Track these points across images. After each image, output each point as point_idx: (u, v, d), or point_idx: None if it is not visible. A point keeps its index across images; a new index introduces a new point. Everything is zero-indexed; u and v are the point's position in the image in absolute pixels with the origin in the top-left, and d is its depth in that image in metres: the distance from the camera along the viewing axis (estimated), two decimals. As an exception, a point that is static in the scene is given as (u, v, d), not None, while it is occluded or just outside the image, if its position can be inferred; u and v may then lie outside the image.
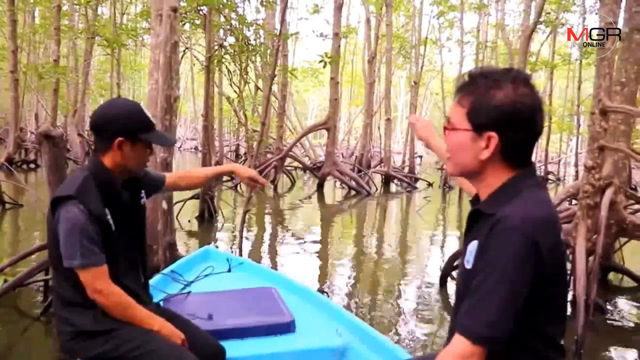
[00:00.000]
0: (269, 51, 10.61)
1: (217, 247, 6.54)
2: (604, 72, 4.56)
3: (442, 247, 7.98)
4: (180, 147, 33.32)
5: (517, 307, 1.17)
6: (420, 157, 29.61)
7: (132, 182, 2.01)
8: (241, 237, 5.90)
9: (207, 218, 8.41)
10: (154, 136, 1.91)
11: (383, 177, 16.50)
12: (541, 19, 12.84)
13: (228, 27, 9.44)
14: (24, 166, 16.24)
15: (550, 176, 21.03)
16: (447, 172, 1.42)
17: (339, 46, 14.86)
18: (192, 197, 8.62)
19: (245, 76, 9.77)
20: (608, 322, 4.52)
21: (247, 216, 6.28)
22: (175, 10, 4.77)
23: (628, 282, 5.56)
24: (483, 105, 1.24)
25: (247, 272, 3.38)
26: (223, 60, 9.89)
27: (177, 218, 7.17)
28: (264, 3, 10.85)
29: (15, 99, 14.73)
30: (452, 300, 4.42)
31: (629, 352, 3.96)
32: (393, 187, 16.06)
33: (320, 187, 14.28)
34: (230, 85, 10.16)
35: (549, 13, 16.22)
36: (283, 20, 8.73)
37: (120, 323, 1.83)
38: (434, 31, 22.88)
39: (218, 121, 18.21)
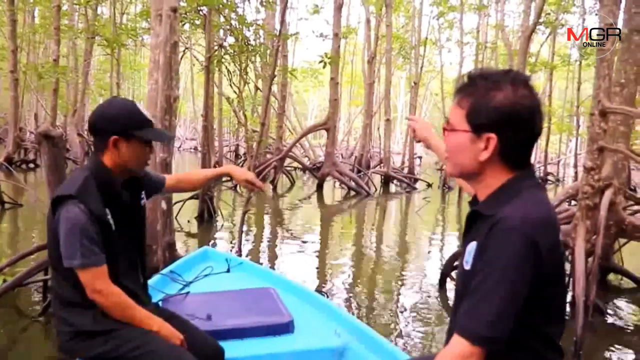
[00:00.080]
0: (268, 51, 10.61)
1: (215, 246, 6.54)
2: (603, 73, 4.56)
3: (441, 247, 7.98)
4: (180, 147, 33.34)
5: (517, 308, 1.17)
6: (420, 157, 29.65)
7: (132, 182, 2.01)
8: (240, 237, 5.90)
9: (206, 218, 8.41)
10: (148, 133, 1.90)
11: (382, 177, 16.52)
12: (541, 20, 12.85)
13: (228, 27, 9.43)
14: (24, 166, 16.23)
15: (549, 177, 21.06)
16: (447, 172, 1.43)
17: (339, 46, 14.87)
18: (192, 198, 8.62)
19: (245, 76, 9.75)
20: (607, 323, 4.52)
21: (246, 216, 6.28)
22: (175, 10, 4.77)
23: (627, 283, 5.57)
24: (482, 106, 1.25)
25: (246, 273, 3.38)
26: (223, 60, 9.88)
27: (176, 218, 7.16)
28: (264, 3, 10.85)
29: (14, 99, 14.73)
30: (451, 300, 4.42)
31: (628, 352, 3.96)
32: (392, 188, 16.07)
33: (319, 187, 14.28)
34: (230, 85, 10.15)
35: (549, 14, 16.24)
36: (283, 21, 8.74)
37: (119, 323, 1.82)
38: (433, 32, 22.94)
39: (218, 121, 18.20)
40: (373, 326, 3.67)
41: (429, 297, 5.07)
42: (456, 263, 5.03)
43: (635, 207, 6.24)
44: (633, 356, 3.90)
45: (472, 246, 1.26)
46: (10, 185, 9.94)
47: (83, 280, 1.76)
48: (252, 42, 9.66)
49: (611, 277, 5.73)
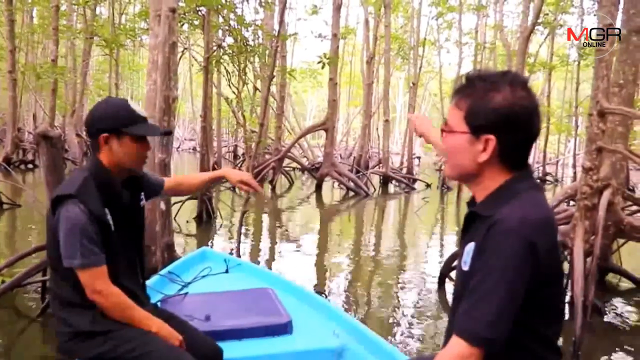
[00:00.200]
0: (267, 52, 10.62)
1: (214, 247, 6.54)
2: (602, 73, 4.57)
3: (440, 248, 7.99)
4: (179, 147, 33.34)
5: (515, 309, 1.17)
6: (419, 158, 29.69)
7: (132, 182, 2.01)
8: (239, 237, 5.91)
9: (205, 219, 8.41)
10: (138, 128, 1.88)
11: (381, 178, 16.52)
12: (539, 21, 12.86)
13: (227, 27, 9.44)
14: (22, 166, 16.22)
15: (548, 177, 21.09)
16: (445, 174, 1.43)
17: (338, 47, 14.87)
18: (190, 198, 8.61)
19: (243, 77, 9.76)
20: (606, 323, 4.53)
21: (245, 217, 6.28)
22: (173, 10, 4.77)
23: (626, 283, 5.58)
24: (481, 108, 1.25)
25: (245, 273, 3.39)
26: (221, 60, 9.90)
27: (175, 219, 7.16)
28: (263, 4, 10.87)
29: (13, 99, 14.72)
30: (450, 301, 4.43)
31: (627, 353, 3.96)
32: (391, 188, 16.07)
33: (318, 187, 14.28)
34: (229, 85, 10.16)
35: (547, 14, 16.26)
36: (282, 21, 8.74)
37: (118, 324, 1.82)
38: (432, 32, 22.97)
39: (216, 122, 18.20)
40: (371, 327, 3.67)
41: (427, 297, 5.07)
42: (455, 263, 5.03)
43: (634, 208, 6.25)
44: (631, 356, 3.90)
45: (470, 247, 1.26)
46: (8, 185, 9.92)
47: (83, 280, 1.76)
48: (251, 43, 9.68)
49: (610, 277, 5.73)
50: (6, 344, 3.55)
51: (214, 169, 12.29)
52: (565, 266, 4.62)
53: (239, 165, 19.83)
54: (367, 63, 18.31)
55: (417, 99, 23.29)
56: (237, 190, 12.78)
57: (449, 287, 5.17)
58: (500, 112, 1.22)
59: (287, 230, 8.67)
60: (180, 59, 9.46)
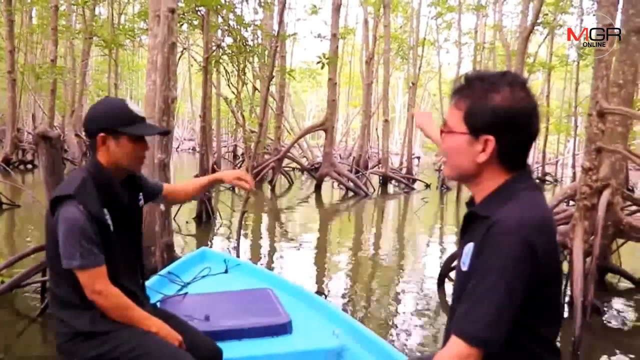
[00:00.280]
0: (266, 52, 10.61)
1: (213, 247, 6.54)
2: (601, 73, 4.57)
3: (439, 248, 7.99)
4: (178, 147, 33.32)
5: (514, 309, 1.17)
6: (418, 158, 29.65)
7: (130, 182, 2.01)
8: (238, 238, 5.90)
9: (204, 219, 8.41)
10: (136, 128, 1.87)
11: (381, 178, 16.52)
12: (539, 21, 12.85)
13: (226, 27, 9.44)
14: (21, 167, 16.22)
15: (547, 177, 21.09)
16: (444, 174, 1.43)
17: (337, 47, 14.87)
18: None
19: (243, 77, 9.76)
20: (605, 323, 4.53)
21: (244, 217, 6.28)
22: (173, 11, 4.77)
23: (625, 284, 5.58)
24: (480, 108, 1.25)
25: (244, 273, 3.39)
26: (221, 61, 9.89)
27: (174, 219, 7.16)
28: (262, 4, 10.87)
29: (12, 99, 14.72)
30: (450, 301, 4.43)
31: (626, 352, 3.96)
32: (391, 188, 16.07)
33: (317, 188, 14.28)
34: (228, 86, 10.16)
35: (547, 14, 16.25)
36: (281, 21, 8.73)
37: (117, 324, 1.82)
38: (431, 32, 22.96)
39: (216, 122, 18.19)
40: (371, 327, 3.67)
41: (427, 297, 5.07)
42: (454, 264, 5.03)
43: (633, 208, 6.25)
44: (630, 356, 3.91)
45: (469, 247, 1.26)
46: (7, 186, 9.92)
47: (82, 281, 1.76)
48: (250, 43, 9.68)
49: (609, 277, 5.73)
50: (6, 344, 3.54)
51: (213, 169, 12.29)
52: (565, 266, 4.62)
53: (238, 165, 19.83)
54: (367, 63, 18.30)
55: (417, 99, 23.29)
56: (236, 190, 12.79)
57: (449, 287, 5.17)
58: (499, 113, 1.23)
59: (286, 231, 8.67)
60: (179, 59, 9.44)
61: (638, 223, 5.18)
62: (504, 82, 1.24)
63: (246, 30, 9.60)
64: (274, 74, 7.15)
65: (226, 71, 10.17)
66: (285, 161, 16.27)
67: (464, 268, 1.27)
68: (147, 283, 2.36)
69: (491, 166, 1.28)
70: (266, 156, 16.52)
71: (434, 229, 9.81)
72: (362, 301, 4.89)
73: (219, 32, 10.40)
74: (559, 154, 28.08)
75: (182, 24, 9.76)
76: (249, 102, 12.64)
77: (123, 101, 1.91)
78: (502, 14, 20.31)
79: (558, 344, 1.32)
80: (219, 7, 8.50)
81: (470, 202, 1.39)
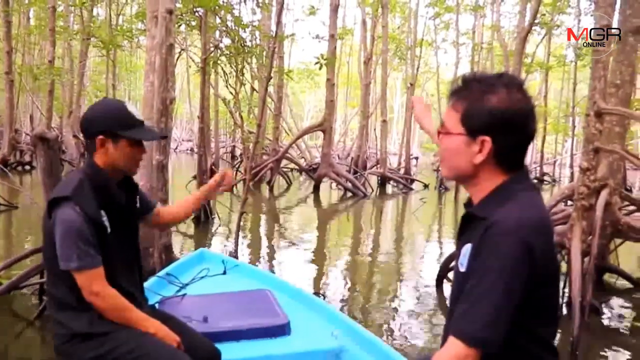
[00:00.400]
0: (264, 53, 10.61)
1: (211, 248, 6.53)
2: (599, 74, 4.58)
3: (438, 248, 7.99)
4: (176, 148, 33.32)
5: (512, 309, 1.17)
6: (416, 158, 29.68)
7: (127, 183, 2.01)
8: (237, 239, 5.90)
9: (202, 220, 8.40)
10: (135, 132, 1.87)
11: (379, 178, 16.52)
12: (536, 21, 12.87)
13: (224, 28, 9.43)
14: (19, 168, 16.19)
15: (545, 177, 21.12)
16: (442, 175, 1.44)
17: (335, 48, 14.88)
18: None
19: (241, 78, 9.76)
20: (603, 323, 4.54)
21: (242, 218, 6.28)
22: (170, 12, 4.77)
23: (623, 283, 5.58)
24: (477, 110, 1.25)
25: (243, 274, 3.39)
26: (219, 61, 9.88)
27: (172, 220, 7.14)
28: (260, 4, 10.86)
29: (10, 100, 14.68)
30: (448, 302, 4.44)
31: (624, 352, 3.97)
32: (389, 189, 16.08)
33: (316, 188, 14.28)
34: (226, 86, 10.16)
35: (544, 15, 16.28)
36: (279, 22, 8.74)
37: (115, 326, 1.82)
38: (429, 33, 22.98)
39: (214, 123, 18.15)
40: (369, 328, 3.68)
41: (425, 298, 5.08)
42: (453, 264, 5.03)
43: (631, 208, 6.27)
44: (629, 356, 3.91)
45: (467, 248, 1.27)
46: (5, 187, 9.91)
47: (80, 282, 1.75)
48: (248, 44, 9.68)
49: (607, 277, 5.74)
50: (3, 346, 3.53)
51: (211, 170, 12.27)
52: (563, 266, 4.63)
53: (236, 166, 19.81)
54: (365, 64, 18.31)
55: (415, 99, 23.22)
56: (235, 190, 12.79)
57: (447, 288, 5.17)
58: (496, 114, 1.23)
59: (285, 231, 8.67)
60: (177, 60, 9.44)
61: (636, 223, 5.19)
62: (500, 83, 1.25)
63: (244, 31, 9.60)
64: (272, 74, 7.15)
65: (224, 72, 10.16)
66: (284, 162, 16.27)
67: (462, 269, 1.27)
68: (146, 284, 2.36)
69: (488, 167, 1.28)
70: (264, 157, 16.52)
71: (432, 229, 9.82)
72: (360, 302, 4.89)
73: (217, 33, 10.39)
74: (556, 154, 28.15)
75: (180, 25, 9.74)
76: (247, 103, 12.62)
77: (122, 103, 1.91)
78: (500, 15, 20.32)
79: (556, 344, 1.32)
80: (216, 7, 8.50)
81: (468, 203, 1.39)
